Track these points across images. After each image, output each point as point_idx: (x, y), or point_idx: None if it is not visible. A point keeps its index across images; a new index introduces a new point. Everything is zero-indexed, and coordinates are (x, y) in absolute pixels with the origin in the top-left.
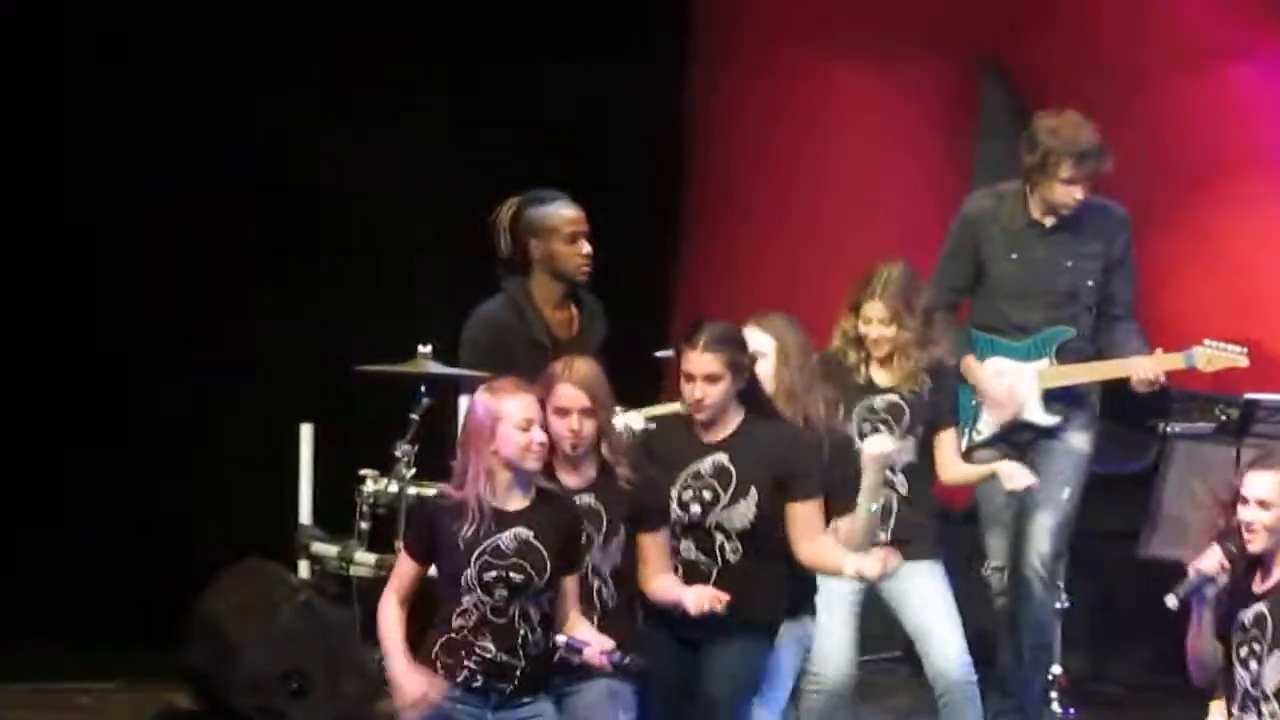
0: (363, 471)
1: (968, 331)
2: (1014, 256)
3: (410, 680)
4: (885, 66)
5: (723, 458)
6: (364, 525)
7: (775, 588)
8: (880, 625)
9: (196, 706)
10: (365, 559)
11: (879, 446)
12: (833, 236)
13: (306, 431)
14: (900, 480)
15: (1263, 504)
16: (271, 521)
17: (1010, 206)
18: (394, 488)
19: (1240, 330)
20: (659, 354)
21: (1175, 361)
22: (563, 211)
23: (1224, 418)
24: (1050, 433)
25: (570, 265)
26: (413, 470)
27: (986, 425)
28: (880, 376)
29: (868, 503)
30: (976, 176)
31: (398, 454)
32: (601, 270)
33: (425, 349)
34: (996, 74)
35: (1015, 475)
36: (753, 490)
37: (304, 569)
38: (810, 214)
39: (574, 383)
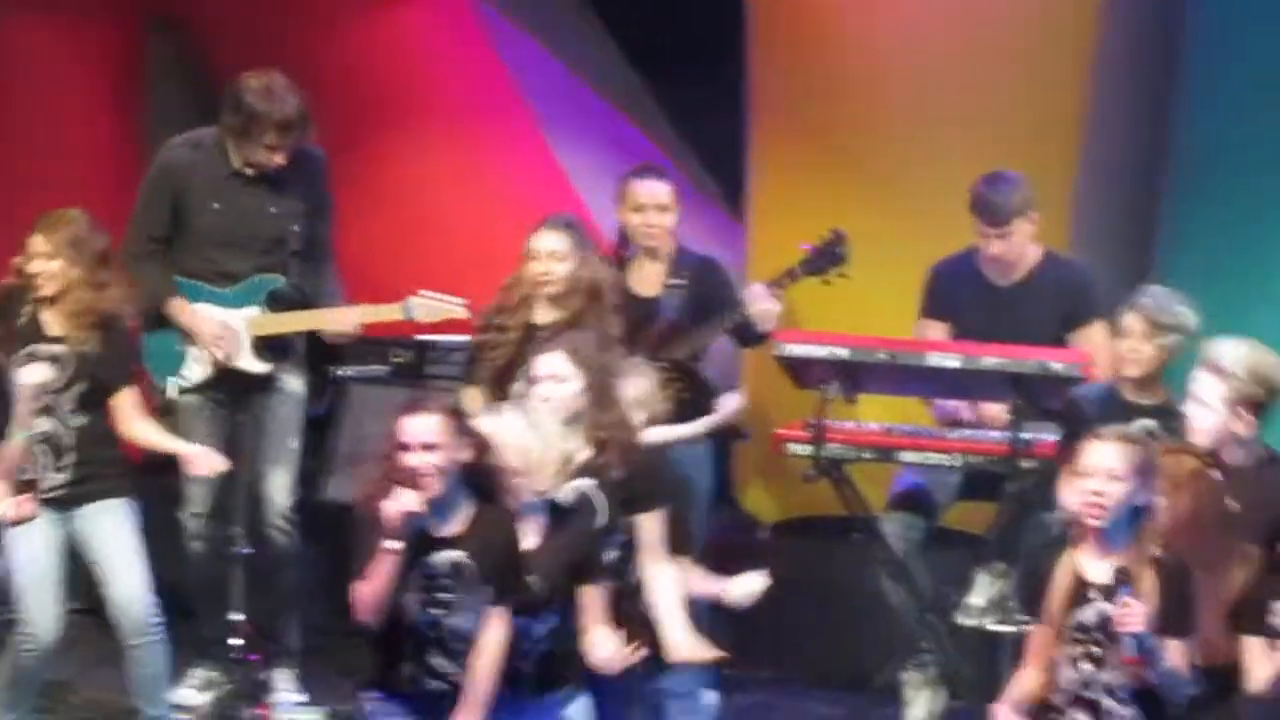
0: None
1: (174, 279)
2: (217, 206)
3: None
4: (52, 22)
5: None
6: None
7: None
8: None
9: None
10: None
11: (32, 376)
12: (10, 192)
13: None
14: (76, 420)
15: (427, 447)
16: None
17: (210, 156)
18: None
19: (420, 276)
20: None
21: (393, 313)
22: None
23: (398, 360)
24: (263, 382)
25: None
26: None
27: (195, 372)
28: (50, 322)
29: (20, 431)
30: (150, 129)
31: None
32: None
33: None
34: (167, 28)
35: (210, 462)
36: None
37: None
38: None
39: None
